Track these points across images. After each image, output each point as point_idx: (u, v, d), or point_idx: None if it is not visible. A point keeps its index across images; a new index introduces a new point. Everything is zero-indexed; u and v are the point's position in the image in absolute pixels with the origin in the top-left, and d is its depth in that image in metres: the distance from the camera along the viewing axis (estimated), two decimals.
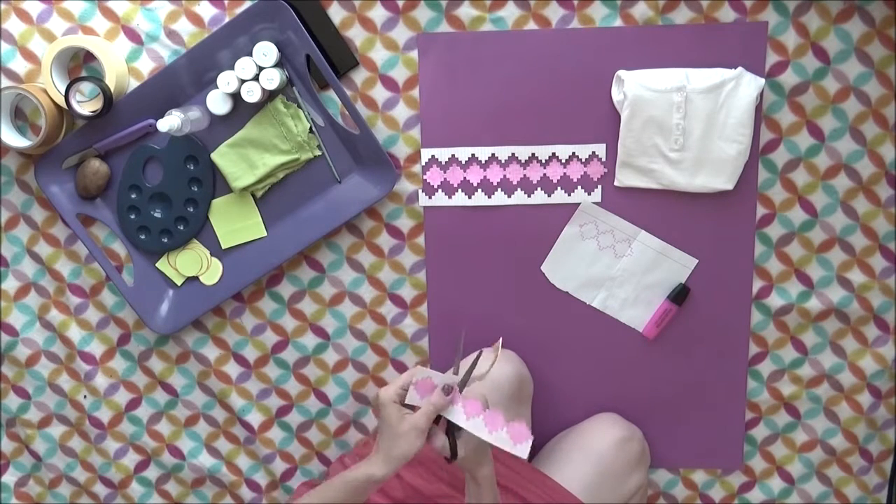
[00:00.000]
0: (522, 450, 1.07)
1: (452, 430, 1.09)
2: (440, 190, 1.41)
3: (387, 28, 1.36)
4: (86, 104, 1.35)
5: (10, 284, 1.48)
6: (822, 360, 1.45)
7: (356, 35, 1.36)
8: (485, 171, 1.40)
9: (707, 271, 1.42)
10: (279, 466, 1.54)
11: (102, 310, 1.49)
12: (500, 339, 1.15)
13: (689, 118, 1.32)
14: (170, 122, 1.28)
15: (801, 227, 1.40)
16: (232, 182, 1.39)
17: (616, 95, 1.35)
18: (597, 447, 1.37)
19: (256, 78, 1.33)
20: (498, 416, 1.07)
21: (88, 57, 1.38)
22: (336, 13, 1.35)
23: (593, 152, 1.39)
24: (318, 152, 1.40)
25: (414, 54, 1.36)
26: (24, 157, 1.42)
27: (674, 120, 1.32)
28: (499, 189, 1.40)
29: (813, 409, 1.47)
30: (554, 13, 1.35)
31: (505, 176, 1.40)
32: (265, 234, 1.43)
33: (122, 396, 1.53)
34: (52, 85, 1.33)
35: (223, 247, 1.44)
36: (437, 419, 1.09)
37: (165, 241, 1.43)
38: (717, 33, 1.33)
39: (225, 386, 1.50)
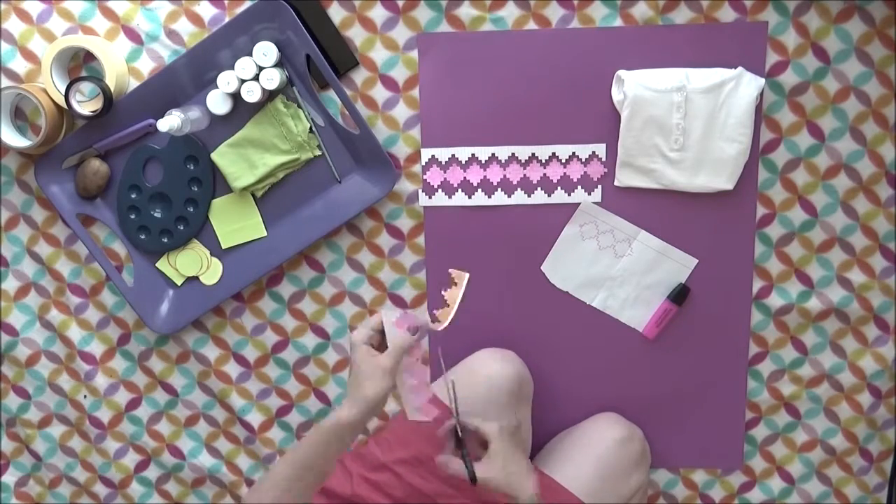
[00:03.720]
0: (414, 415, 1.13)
1: (465, 452, 1.08)
2: (440, 190, 1.41)
3: (387, 28, 1.36)
4: (86, 104, 1.35)
5: (10, 284, 1.48)
6: (822, 359, 1.45)
7: (356, 35, 1.36)
8: (485, 171, 1.40)
9: (707, 271, 1.41)
10: None
11: (102, 310, 1.49)
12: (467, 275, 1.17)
13: (689, 118, 1.32)
14: (170, 122, 1.28)
15: (801, 226, 1.40)
16: (232, 182, 1.39)
17: (616, 95, 1.35)
18: (597, 447, 1.37)
19: (256, 78, 1.33)
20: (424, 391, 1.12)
21: (88, 57, 1.38)
22: (336, 13, 1.35)
23: (593, 152, 1.39)
24: (318, 152, 1.40)
25: (414, 54, 1.36)
26: (24, 157, 1.42)
27: (674, 120, 1.32)
28: (499, 189, 1.40)
29: (813, 409, 1.47)
30: (554, 13, 1.35)
31: (505, 176, 1.40)
32: (265, 234, 1.43)
33: (122, 396, 1.53)
34: (52, 85, 1.32)
35: (223, 247, 1.44)
36: (459, 443, 1.10)
37: (165, 241, 1.43)
38: (717, 33, 1.33)
39: (225, 386, 1.50)
